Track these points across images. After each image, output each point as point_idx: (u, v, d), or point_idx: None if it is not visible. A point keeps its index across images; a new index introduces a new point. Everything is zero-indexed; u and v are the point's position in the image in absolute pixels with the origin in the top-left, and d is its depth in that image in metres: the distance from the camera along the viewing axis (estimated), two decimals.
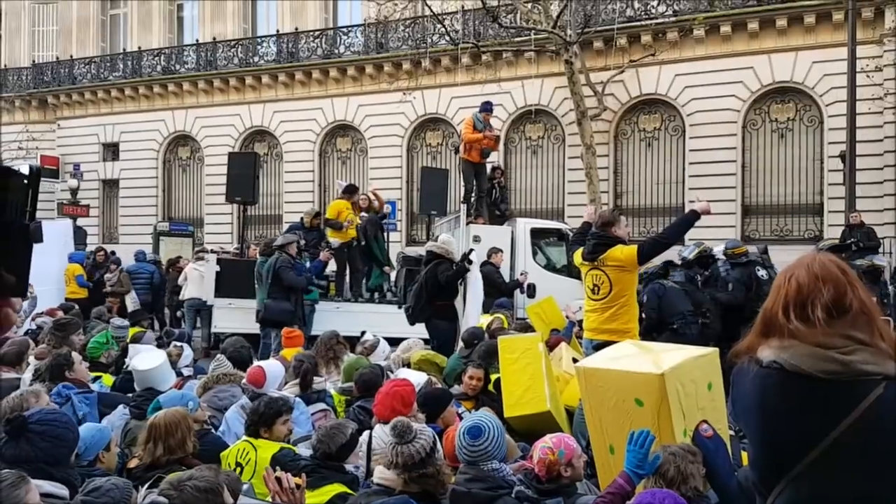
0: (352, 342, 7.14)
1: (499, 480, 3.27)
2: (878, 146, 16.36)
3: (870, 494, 1.72)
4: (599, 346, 5.19)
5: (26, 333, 8.18)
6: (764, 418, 1.82)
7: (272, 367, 5.34)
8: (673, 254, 8.34)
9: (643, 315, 7.66)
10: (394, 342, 7.10)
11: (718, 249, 9.50)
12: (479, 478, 3.25)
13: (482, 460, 3.31)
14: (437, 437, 3.46)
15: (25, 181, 1.00)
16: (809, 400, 1.74)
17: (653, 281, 8.22)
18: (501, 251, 10.30)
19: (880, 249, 12.38)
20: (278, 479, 3.13)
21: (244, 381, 5.23)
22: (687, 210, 5.59)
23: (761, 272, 9.21)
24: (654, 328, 7.94)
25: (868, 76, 15.54)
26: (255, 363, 5.57)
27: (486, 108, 11.40)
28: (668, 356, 3.56)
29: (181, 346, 6.46)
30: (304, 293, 9.60)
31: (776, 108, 18.21)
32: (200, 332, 12.00)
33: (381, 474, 3.33)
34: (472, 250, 8.01)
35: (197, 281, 11.88)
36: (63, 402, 4.45)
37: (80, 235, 16.42)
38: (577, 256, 5.74)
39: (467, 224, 10.84)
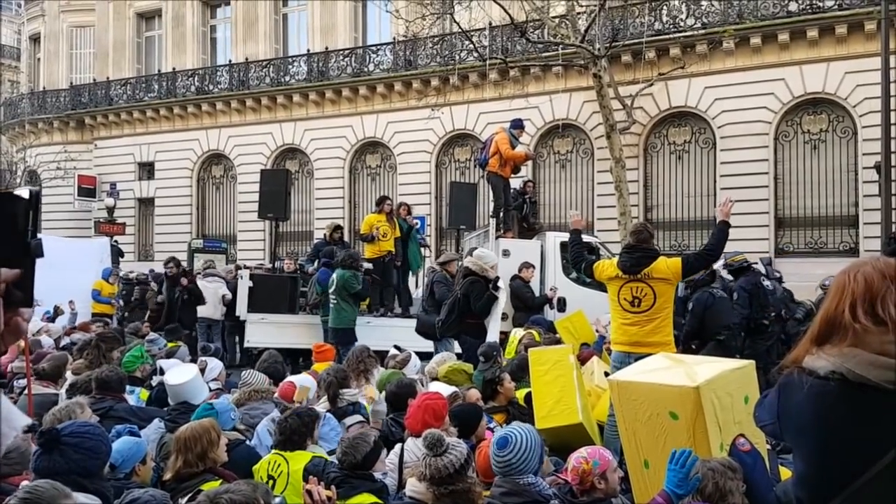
0: (382, 356, 7.18)
1: (534, 495, 3.22)
2: None
3: None
4: (641, 359, 5.12)
5: (63, 348, 8.36)
6: (822, 433, 1.72)
7: (303, 382, 5.40)
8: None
9: (682, 322, 7.57)
10: (424, 356, 7.12)
11: (718, 265, 9.34)
12: (515, 492, 3.21)
13: (512, 472, 3.27)
14: (471, 452, 3.42)
15: (27, 204, 1.15)
16: (874, 412, 1.65)
17: (700, 289, 8.14)
18: (533, 266, 10.28)
19: None
20: (309, 493, 3.15)
21: (276, 395, 5.28)
22: (718, 221, 5.57)
23: (766, 283, 9.07)
24: (696, 336, 7.87)
25: None
26: (287, 378, 5.63)
27: (519, 124, 11.45)
28: (703, 369, 3.51)
29: (205, 360, 6.53)
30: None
31: (808, 119, 17.96)
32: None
33: (414, 486, 3.32)
34: (498, 278, 8.06)
35: (212, 300, 11.74)
36: None
37: (114, 253, 16.69)
38: (607, 268, 5.66)
39: (496, 238, 10.83)
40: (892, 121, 12.93)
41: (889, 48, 12.79)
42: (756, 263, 9.33)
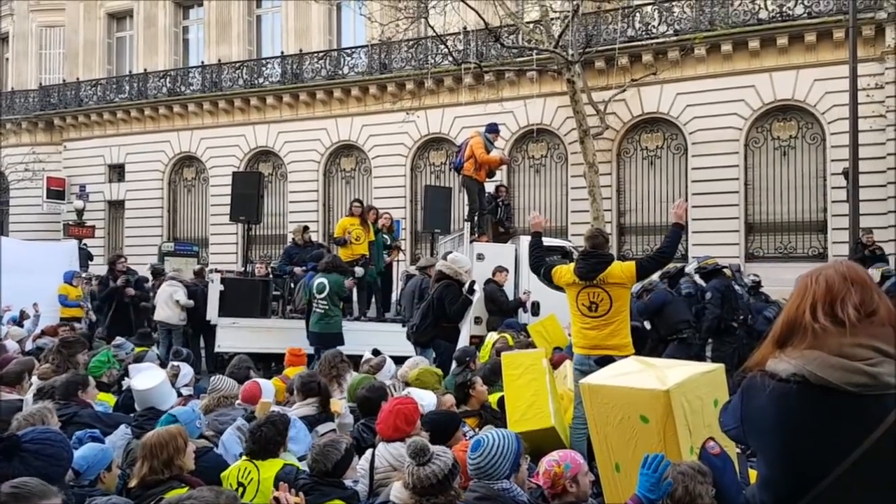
0: (356, 361, 7.12)
1: (508, 501, 3.18)
2: (881, 163, 16.38)
3: None
4: (601, 361, 5.20)
5: (28, 353, 8.19)
6: (786, 436, 1.72)
7: (266, 384, 5.35)
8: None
9: (633, 313, 7.85)
10: (398, 360, 7.07)
11: (690, 268, 9.64)
12: (488, 497, 3.18)
13: (484, 476, 3.25)
14: (456, 462, 3.34)
15: None
16: (837, 415, 1.66)
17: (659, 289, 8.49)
18: (506, 270, 10.28)
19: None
20: (276, 500, 3.10)
21: (238, 401, 5.19)
22: (672, 224, 5.65)
23: (736, 287, 9.41)
24: (651, 325, 8.20)
25: (868, 94, 15.58)
26: (251, 380, 5.55)
27: (494, 129, 11.47)
28: (673, 372, 3.52)
29: (178, 366, 6.43)
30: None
31: (778, 125, 18.24)
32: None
33: (397, 492, 3.27)
34: (474, 282, 8.05)
35: (166, 303, 11.54)
36: None
37: (82, 256, 16.40)
38: (565, 275, 5.67)
39: (471, 242, 10.82)
40: (860, 127, 13.20)
41: (857, 56, 13.04)
42: (726, 268, 9.53)
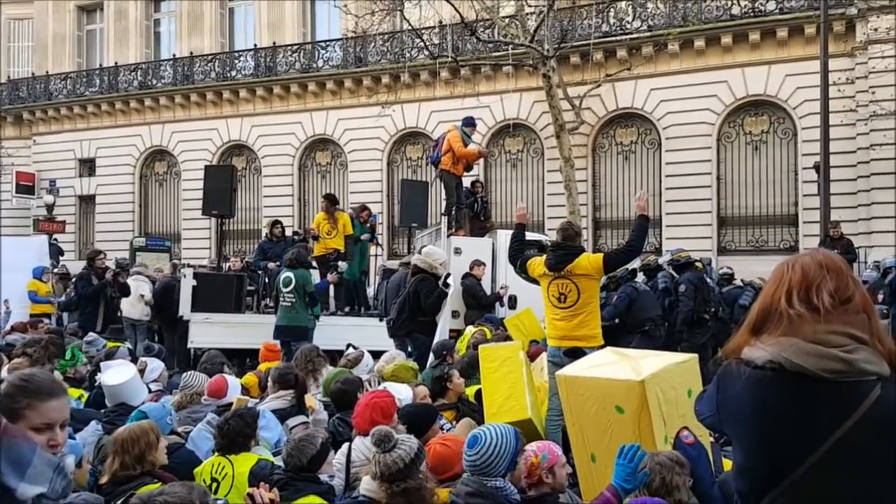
0: (332, 356, 7.08)
1: (500, 499, 3.13)
2: (851, 157, 16.63)
3: (869, 497, 1.65)
4: (570, 352, 5.24)
5: None
6: (762, 423, 1.72)
7: (232, 380, 5.31)
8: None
9: (604, 315, 7.96)
10: (376, 355, 7.04)
11: (663, 260, 9.79)
12: (480, 493, 3.12)
13: (480, 473, 3.19)
14: (421, 446, 3.34)
15: None
16: (812, 402, 1.66)
17: (624, 284, 8.63)
18: (484, 264, 10.27)
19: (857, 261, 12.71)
20: (251, 496, 3.06)
21: (204, 397, 5.13)
22: (637, 216, 5.69)
23: (708, 280, 9.61)
24: (620, 328, 8.30)
25: (839, 89, 15.81)
26: (217, 375, 5.50)
27: (471, 122, 11.44)
28: (648, 363, 3.55)
29: (145, 361, 6.34)
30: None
31: (750, 120, 18.45)
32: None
33: (367, 485, 3.25)
34: (448, 274, 8.04)
35: (131, 299, 11.47)
36: None
37: (53, 251, 16.11)
38: (537, 266, 5.71)
39: (448, 236, 10.80)
40: (831, 122, 13.39)
41: (828, 51, 13.21)
42: (698, 261, 9.69)
